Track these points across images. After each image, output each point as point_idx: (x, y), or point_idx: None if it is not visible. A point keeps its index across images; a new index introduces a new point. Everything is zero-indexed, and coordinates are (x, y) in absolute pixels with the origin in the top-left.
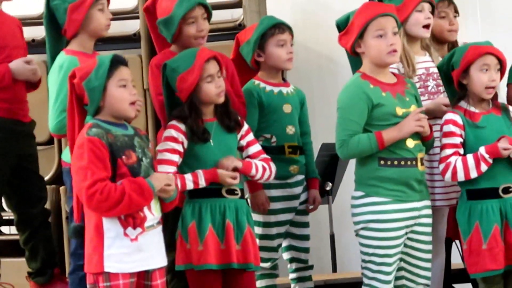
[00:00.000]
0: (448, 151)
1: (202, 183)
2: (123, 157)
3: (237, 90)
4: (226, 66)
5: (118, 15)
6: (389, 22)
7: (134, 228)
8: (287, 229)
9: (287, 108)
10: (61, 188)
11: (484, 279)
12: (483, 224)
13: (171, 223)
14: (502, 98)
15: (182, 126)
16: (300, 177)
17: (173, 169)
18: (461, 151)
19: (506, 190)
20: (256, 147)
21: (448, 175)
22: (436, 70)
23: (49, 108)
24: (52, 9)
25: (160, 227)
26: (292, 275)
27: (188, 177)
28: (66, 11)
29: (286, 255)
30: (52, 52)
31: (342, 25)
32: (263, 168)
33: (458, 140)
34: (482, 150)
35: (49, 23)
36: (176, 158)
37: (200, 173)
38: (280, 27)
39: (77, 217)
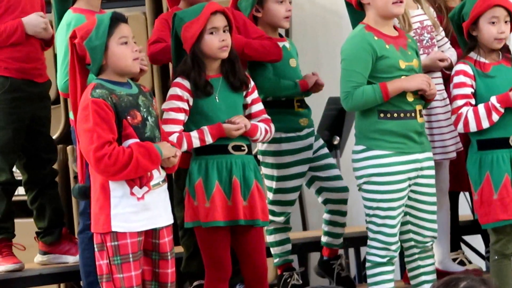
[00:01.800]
0: (460, 102)
1: (209, 140)
2: (128, 117)
3: (255, 32)
4: (235, 18)
5: None
6: None
7: (141, 187)
8: (303, 182)
9: (292, 63)
10: (68, 148)
11: (495, 229)
12: (494, 174)
13: (183, 180)
14: None
15: (187, 83)
16: (309, 129)
17: (179, 128)
18: (473, 101)
19: None
20: (259, 106)
21: (460, 125)
22: (429, 23)
23: (58, 66)
24: None
25: (165, 185)
26: (326, 216)
27: (194, 134)
28: None
29: (319, 199)
30: (59, 11)
31: None
32: (265, 131)
33: (469, 90)
34: (493, 99)
35: None
36: (182, 116)
37: (205, 129)
38: None
39: (81, 177)
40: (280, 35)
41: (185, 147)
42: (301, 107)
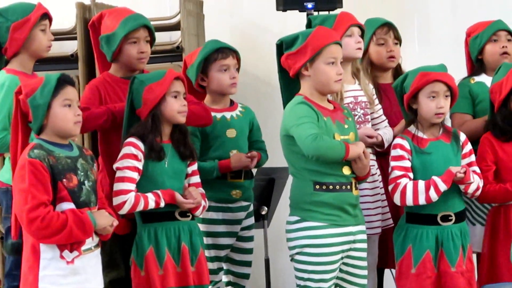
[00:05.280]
0: (398, 172)
1: (162, 204)
2: (64, 180)
3: (191, 100)
4: None
5: (56, 36)
6: (339, 51)
7: (71, 251)
8: (227, 253)
9: (231, 133)
10: None
11: None
12: (415, 249)
13: (108, 243)
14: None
15: (141, 144)
16: (245, 203)
17: (133, 186)
18: (411, 175)
19: (445, 218)
20: (197, 179)
21: (397, 196)
22: (364, 98)
23: None
24: None
25: (98, 250)
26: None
27: (151, 196)
28: (9, 29)
29: (224, 278)
30: None
31: (288, 45)
32: (203, 208)
33: (407, 163)
34: (435, 177)
35: None
36: (136, 175)
37: (159, 193)
38: (223, 51)
39: (14, 233)
40: (232, 103)
41: (141, 207)
42: (236, 178)
